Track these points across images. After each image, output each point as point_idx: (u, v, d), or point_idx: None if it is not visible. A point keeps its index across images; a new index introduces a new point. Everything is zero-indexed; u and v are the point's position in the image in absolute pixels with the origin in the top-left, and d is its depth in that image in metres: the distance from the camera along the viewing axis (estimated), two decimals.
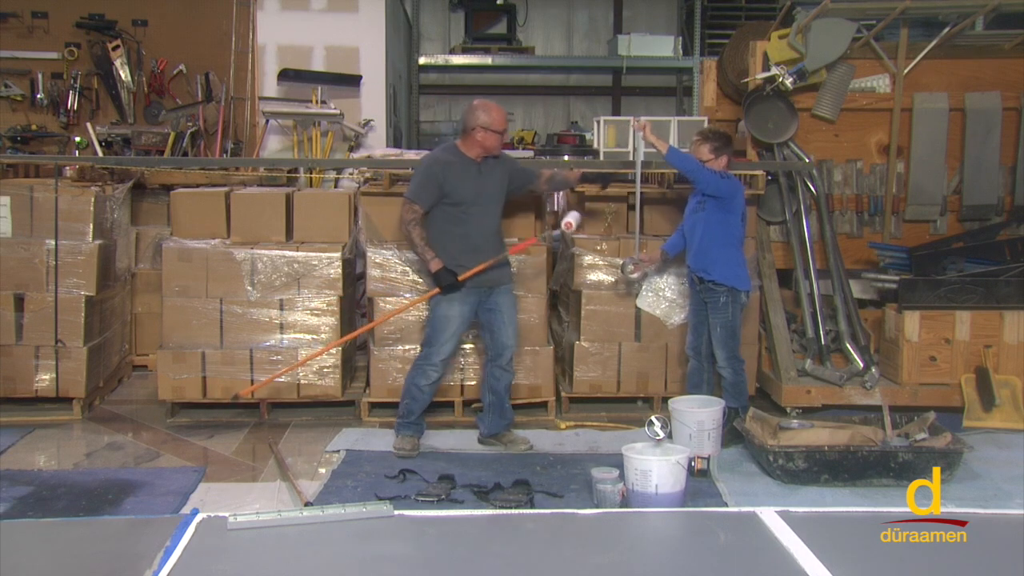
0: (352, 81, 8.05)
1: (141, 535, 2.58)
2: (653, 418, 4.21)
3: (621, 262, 5.65)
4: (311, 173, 7.49)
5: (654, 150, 5.32)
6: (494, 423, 5.23)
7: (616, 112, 11.26)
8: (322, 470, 4.89)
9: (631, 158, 6.36)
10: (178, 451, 5.22)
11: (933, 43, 6.31)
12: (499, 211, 5.13)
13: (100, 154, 7.52)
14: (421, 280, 5.63)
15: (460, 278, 4.90)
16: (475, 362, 5.73)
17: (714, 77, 7.09)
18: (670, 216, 6.06)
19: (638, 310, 5.88)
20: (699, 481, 4.58)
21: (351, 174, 7.32)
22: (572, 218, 5.23)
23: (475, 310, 5.08)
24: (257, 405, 5.77)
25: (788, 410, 5.71)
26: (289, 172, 7.27)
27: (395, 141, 8.89)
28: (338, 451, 5.14)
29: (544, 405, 5.86)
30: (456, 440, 5.33)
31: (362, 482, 4.66)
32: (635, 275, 5.61)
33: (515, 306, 5.25)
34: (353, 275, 6.18)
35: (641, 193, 5.64)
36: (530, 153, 8.99)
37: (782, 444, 4.69)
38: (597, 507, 4.16)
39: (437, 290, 5.00)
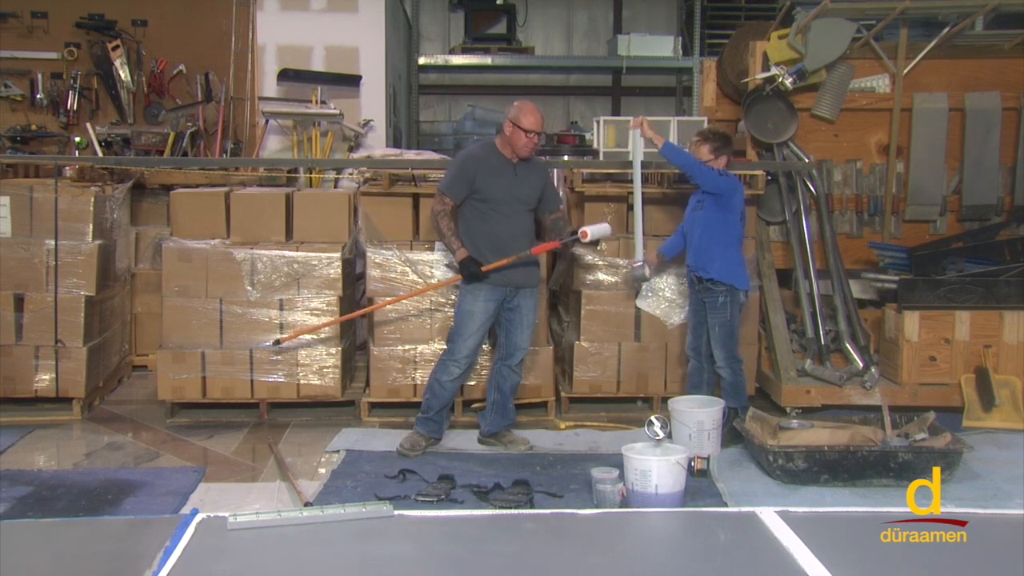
0: (352, 81, 8.05)
1: (141, 535, 2.58)
2: (653, 418, 4.21)
3: (632, 269, 5.51)
4: (311, 173, 7.49)
5: (653, 149, 5.32)
6: (495, 422, 5.23)
7: (616, 112, 11.26)
8: (322, 470, 4.89)
9: (630, 158, 6.37)
10: (178, 451, 5.21)
11: (933, 43, 6.31)
12: (530, 216, 5.14)
13: (100, 154, 7.52)
14: (433, 277, 5.68)
15: (484, 268, 4.93)
16: (476, 363, 5.72)
17: (714, 77, 7.09)
18: (669, 216, 6.06)
19: (638, 310, 5.88)
20: (699, 481, 4.58)
21: (351, 174, 7.32)
22: (592, 230, 5.11)
23: (499, 308, 5.08)
24: (257, 405, 5.77)
25: (788, 410, 5.71)
26: (289, 172, 7.27)
27: (395, 141, 8.89)
28: (338, 451, 5.14)
29: (544, 405, 5.86)
30: (456, 440, 5.32)
31: (362, 482, 4.66)
32: (647, 272, 5.49)
33: (536, 310, 5.24)
34: (353, 275, 6.17)
35: (642, 194, 5.62)
36: None
37: (782, 444, 4.69)
38: (597, 507, 4.16)
39: (458, 278, 5.11)
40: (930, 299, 5.72)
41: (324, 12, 8.08)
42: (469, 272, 4.92)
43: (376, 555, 2.50)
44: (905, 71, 6.36)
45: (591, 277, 5.88)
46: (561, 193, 6.54)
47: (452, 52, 10.84)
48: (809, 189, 6.28)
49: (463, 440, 5.31)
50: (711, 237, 5.15)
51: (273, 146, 8.10)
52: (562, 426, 5.66)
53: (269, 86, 8.05)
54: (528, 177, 5.04)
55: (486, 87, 11.41)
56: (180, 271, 5.72)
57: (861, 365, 5.83)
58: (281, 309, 5.73)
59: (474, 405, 5.77)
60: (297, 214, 5.90)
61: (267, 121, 7.95)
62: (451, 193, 4.98)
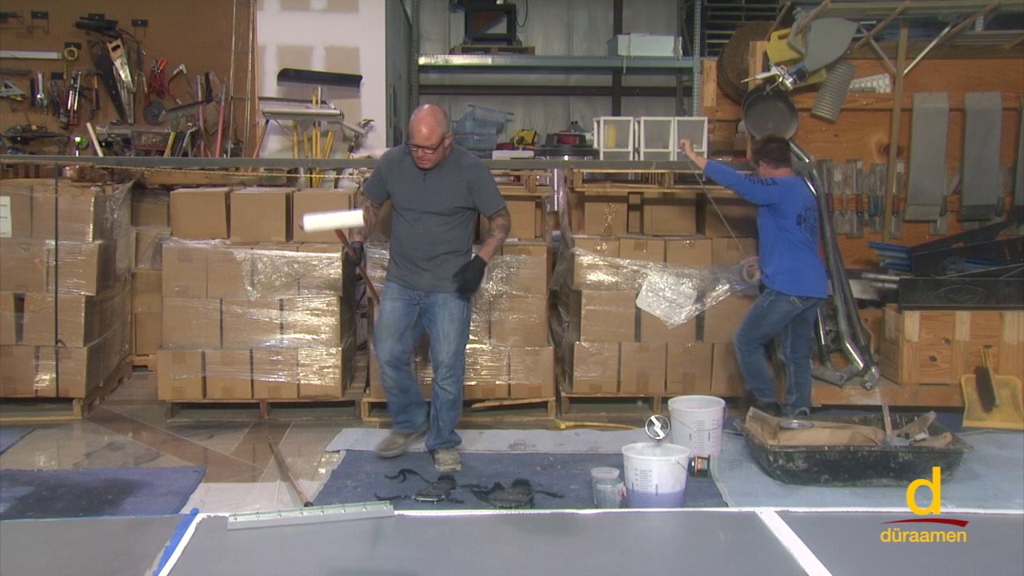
0: (352, 81, 8.05)
1: (141, 535, 2.58)
2: (653, 418, 4.21)
3: (739, 266, 5.76)
4: (311, 173, 7.49)
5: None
6: (431, 440, 4.96)
7: (616, 112, 11.25)
8: (322, 470, 4.89)
9: (631, 158, 6.39)
10: (178, 451, 5.21)
11: (933, 43, 6.30)
12: (446, 223, 4.73)
13: (100, 154, 7.52)
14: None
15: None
16: (475, 362, 5.73)
17: (714, 77, 7.09)
18: (671, 215, 6.08)
19: (638, 310, 5.88)
20: (699, 481, 4.58)
21: (351, 174, 7.32)
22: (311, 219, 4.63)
23: (413, 310, 4.84)
24: (257, 405, 5.77)
25: None
26: (289, 172, 7.27)
27: (395, 141, 8.88)
28: (338, 451, 5.14)
29: (544, 405, 5.86)
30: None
31: (362, 482, 4.66)
32: (754, 279, 5.62)
33: (454, 320, 4.78)
34: (353, 275, 6.17)
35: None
36: (530, 153, 8.99)
37: (782, 444, 4.69)
38: (597, 507, 4.16)
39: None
40: (930, 299, 5.72)
41: (324, 12, 8.09)
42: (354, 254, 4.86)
43: (376, 555, 2.50)
44: (905, 71, 6.36)
45: (591, 277, 5.88)
46: (560, 195, 6.57)
47: (452, 52, 10.84)
48: (809, 189, 6.27)
49: (463, 440, 5.30)
50: (768, 243, 5.37)
51: (273, 146, 8.10)
52: (562, 426, 5.66)
53: (269, 86, 8.05)
54: (442, 182, 4.69)
55: (486, 87, 11.40)
56: (180, 271, 5.72)
57: (861, 365, 5.83)
58: (281, 309, 5.73)
59: (474, 405, 5.78)
60: (297, 214, 5.89)
61: (267, 121, 7.95)
62: (366, 192, 4.96)
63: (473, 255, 4.83)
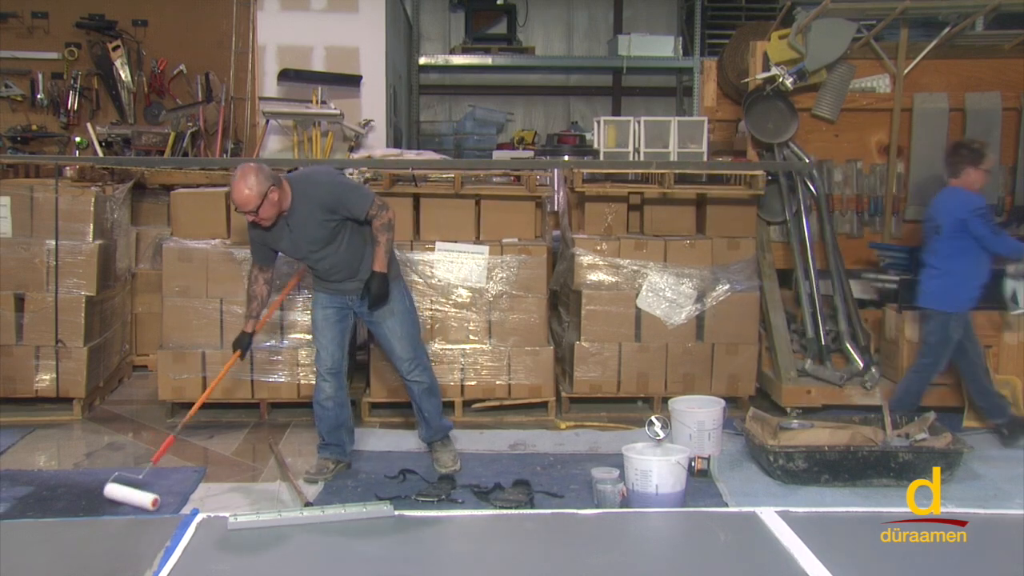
0: (352, 81, 8.05)
1: (141, 535, 2.59)
2: (653, 418, 4.21)
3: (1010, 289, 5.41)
4: None
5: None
6: (423, 432, 4.99)
7: (616, 112, 11.26)
8: None
9: (631, 158, 6.39)
10: (178, 451, 5.20)
11: (933, 43, 6.31)
12: (341, 244, 4.57)
13: (100, 154, 7.51)
14: (434, 276, 5.69)
15: (253, 331, 4.82)
16: (475, 362, 5.73)
17: (714, 77, 7.09)
18: (670, 216, 6.06)
19: (638, 310, 5.88)
20: (699, 481, 4.58)
21: (351, 174, 7.31)
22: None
23: (347, 314, 4.75)
24: (257, 405, 5.77)
25: (788, 410, 5.71)
26: (289, 172, 7.26)
27: (395, 141, 8.89)
28: None
29: (544, 405, 5.86)
30: (456, 440, 5.31)
31: (362, 482, 4.67)
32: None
33: (395, 314, 4.71)
34: None
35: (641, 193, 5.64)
36: (530, 153, 8.99)
37: (782, 444, 4.69)
38: (597, 507, 4.17)
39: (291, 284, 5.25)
40: None
41: (324, 12, 8.08)
42: (238, 344, 4.79)
43: (376, 555, 2.50)
44: (905, 71, 6.36)
45: (591, 277, 5.87)
46: (560, 195, 6.56)
47: (452, 52, 10.84)
48: (809, 189, 6.27)
49: (463, 440, 5.31)
50: None
51: (273, 146, 8.10)
52: (562, 426, 5.66)
53: (269, 86, 8.04)
54: (306, 224, 4.50)
55: (486, 87, 11.41)
56: (180, 271, 5.72)
57: (861, 365, 5.83)
58: (282, 309, 5.72)
59: (474, 405, 5.78)
60: None
61: (267, 121, 7.95)
62: (257, 261, 4.76)
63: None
